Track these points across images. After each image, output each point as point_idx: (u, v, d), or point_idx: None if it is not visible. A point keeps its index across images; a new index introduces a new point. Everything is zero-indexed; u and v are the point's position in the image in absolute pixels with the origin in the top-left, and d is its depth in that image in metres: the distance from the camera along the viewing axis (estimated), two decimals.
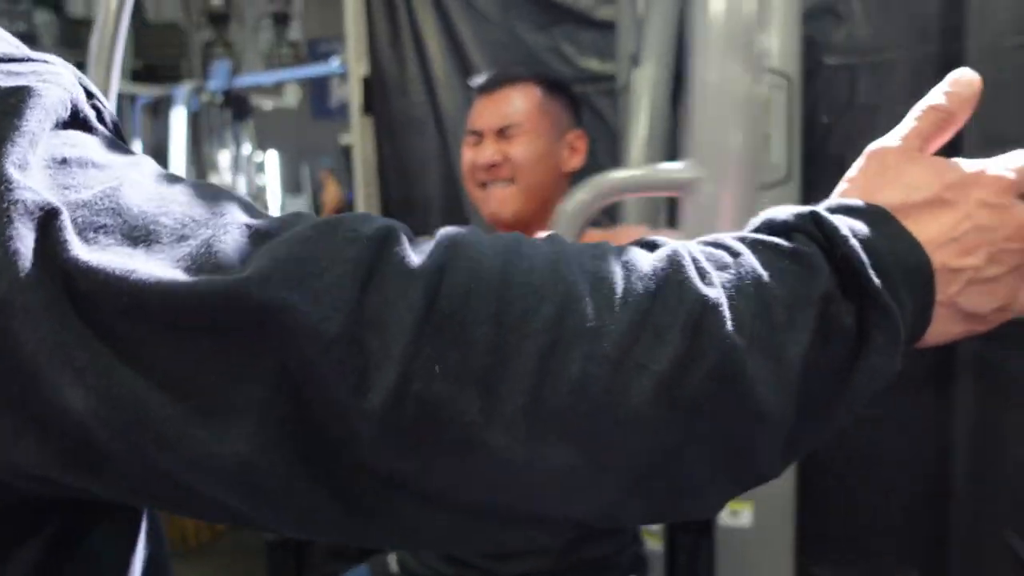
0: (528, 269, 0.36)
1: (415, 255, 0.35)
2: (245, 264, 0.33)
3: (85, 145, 0.37)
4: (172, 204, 0.35)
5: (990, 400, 1.80)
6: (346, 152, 4.60)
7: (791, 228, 0.41)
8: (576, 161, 1.20)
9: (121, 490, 0.35)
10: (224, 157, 4.94)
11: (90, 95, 0.40)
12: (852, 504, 1.98)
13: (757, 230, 0.42)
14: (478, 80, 1.20)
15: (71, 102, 0.37)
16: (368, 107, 2.48)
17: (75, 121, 0.38)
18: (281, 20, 7.40)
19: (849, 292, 0.38)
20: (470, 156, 1.16)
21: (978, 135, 1.76)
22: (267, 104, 5.60)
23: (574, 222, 0.99)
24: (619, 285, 0.36)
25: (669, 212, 1.87)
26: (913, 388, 1.87)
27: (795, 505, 1.79)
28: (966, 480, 1.83)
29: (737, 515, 1.83)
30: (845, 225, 0.39)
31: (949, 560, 1.87)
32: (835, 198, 0.44)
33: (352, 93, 2.48)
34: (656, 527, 1.90)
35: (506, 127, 1.14)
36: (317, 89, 7.09)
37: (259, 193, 5.34)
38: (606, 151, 2.22)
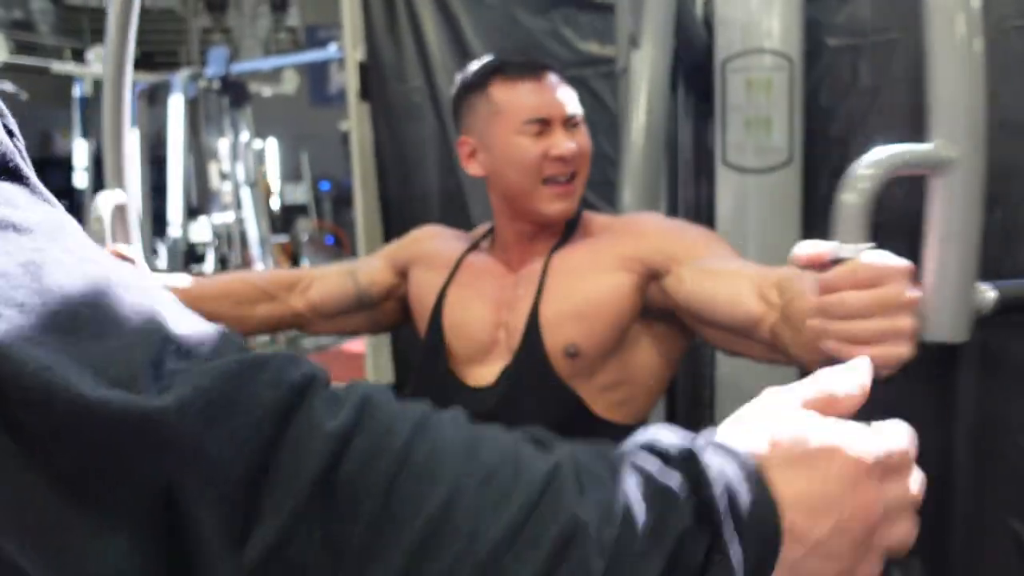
0: (430, 451, 0.36)
1: (329, 411, 0.35)
2: (163, 384, 0.32)
3: (7, 200, 0.35)
4: (97, 293, 0.34)
5: (992, 386, 1.79)
6: (345, 138, 4.57)
7: (670, 458, 0.42)
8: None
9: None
10: (223, 144, 4.92)
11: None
12: None
13: (642, 446, 0.43)
14: (503, 65, 1.08)
15: None
16: (365, 93, 2.45)
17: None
18: (279, 6, 7.36)
19: (703, 529, 0.40)
20: (539, 147, 1.04)
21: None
22: (265, 91, 5.58)
23: (863, 213, 0.94)
24: (507, 487, 0.37)
25: (670, 199, 1.85)
26: (914, 375, 1.86)
27: None
28: (968, 466, 1.82)
29: None
30: (717, 468, 0.41)
31: (951, 546, 1.86)
32: (721, 433, 0.46)
33: (349, 79, 2.45)
34: None
35: (572, 116, 1.08)
36: (316, 76, 7.06)
37: (259, 180, 5.33)
38: (605, 135, 2.20)
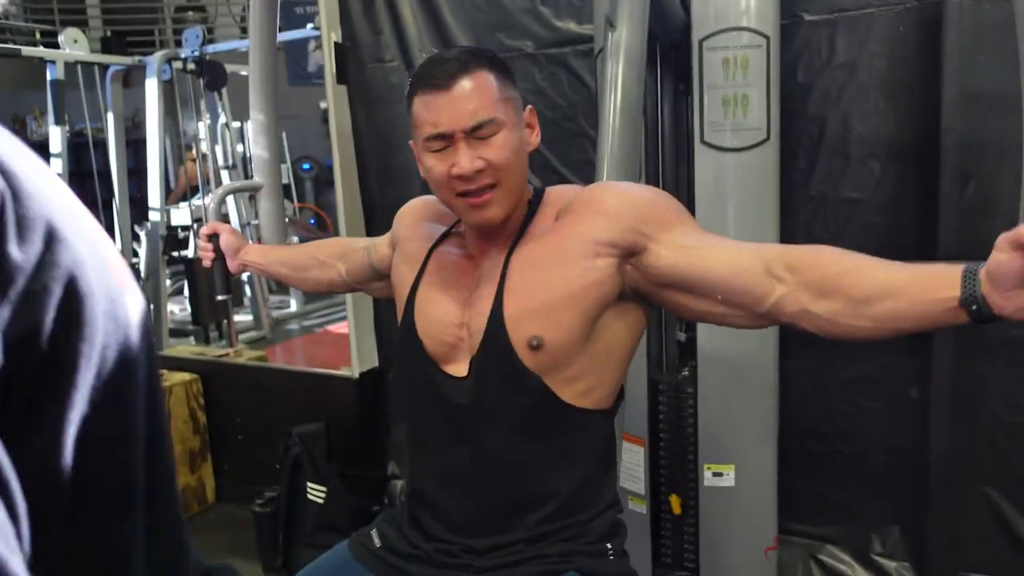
0: None
1: None
2: None
3: None
4: None
5: (968, 359, 1.82)
6: (326, 117, 4.52)
7: None
8: (536, 138, 1.08)
9: None
10: (200, 127, 4.86)
11: None
12: (833, 463, 2.01)
13: None
14: (421, 74, 1.02)
15: None
16: (342, 75, 2.43)
17: None
18: None
19: None
20: (441, 167, 1.00)
21: (957, 92, 1.76)
22: (243, 71, 5.51)
23: None
24: None
25: (649, 179, 1.86)
26: (893, 349, 1.89)
27: (776, 465, 1.82)
28: (944, 437, 1.85)
29: (720, 476, 1.85)
30: None
31: (928, 516, 1.90)
32: None
33: (326, 61, 2.43)
34: (640, 488, 1.93)
35: (477, 127, 0.99)
36: (293, 54, 6.96)
37: (238, 161, 5.27)
38: (584, 113, 2.20)
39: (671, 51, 1.78)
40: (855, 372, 1.94)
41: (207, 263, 1.56)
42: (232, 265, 1.54)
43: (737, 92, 1.66)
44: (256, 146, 1.55)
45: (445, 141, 1.00)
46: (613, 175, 1.39)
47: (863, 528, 2.01)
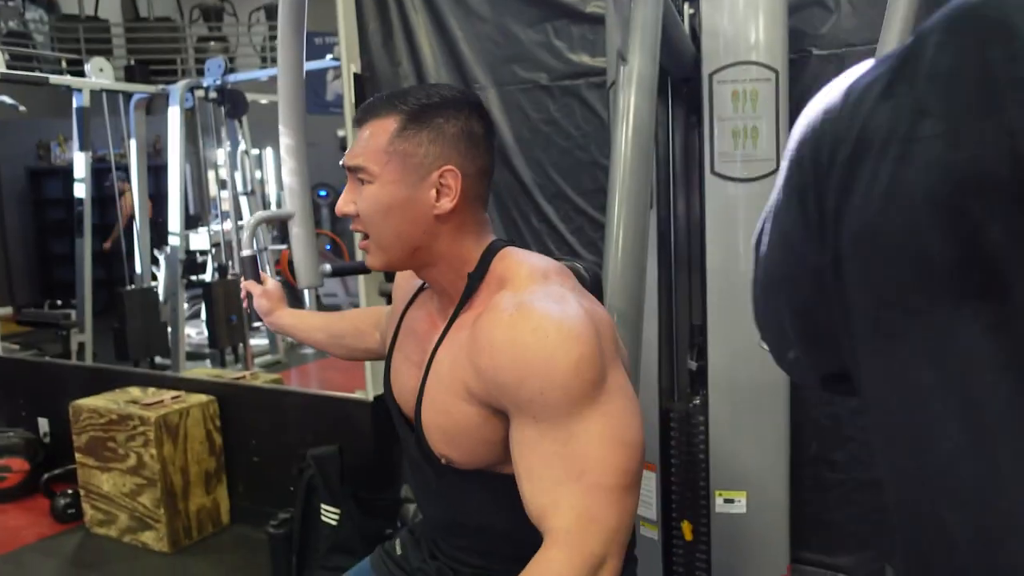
0: None
1: None
2: None
3: None
4: None
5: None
6: (343, 145, 4.60)
7: None
8: (447, 203, 0.94)
9: None
10: (220, 154, 4.95)
11: None
12: (846, 490, 2.01)
13: None
14: (363, 107, 0.99)
15: None
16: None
17: None
18: (275, 14, 7.38)
19: None
20: None
21: None
22: (262, 99, 5.61)
23: None
24: None
25: (660, 209, 1.89)
26: None
27: (789, 492, 1.82)
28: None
29: (732, 503, 1.86)
30: None
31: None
32: None
33: (345, 91, 2.49)
34: (652, 515, 1.94)
35: (352, 168, 0.95)
36: (312, 83, 7.11)
37: (256, 187, 5.36)
38: (597, 143, 2.24)
39: (682, 85, 1.82)
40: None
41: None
42: (267, 324, 1.51)
43: (747, 124, 1.70)
44: (286, 172, 1.57)
45: (349, 175, 0.99)
46: (624, 205, 1.42)
47: (877, 558, 2.00)
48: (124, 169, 5.08)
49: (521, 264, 0.96)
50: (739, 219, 1.72)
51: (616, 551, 0.84)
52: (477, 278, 0.97)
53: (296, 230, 1.61)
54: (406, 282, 1.15)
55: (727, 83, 1.68)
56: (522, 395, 0.86)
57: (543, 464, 0.86)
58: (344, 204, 0.97)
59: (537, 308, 0.87)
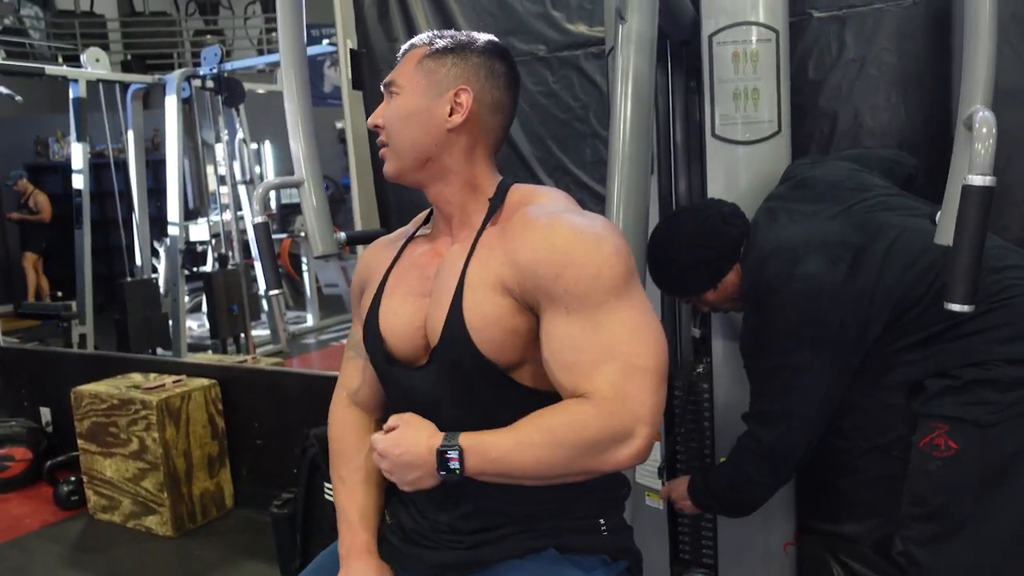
0: None
1: None
2: None
3: None
4: None
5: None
6: (342, 136, 4.58)
7: None
8: (457, 118, 1.03)
9: None
10: (220, 149, 4.94)
11: None
12: (851, 458, 1.99)
13: None
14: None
15: None
16: (357, 82, 2.47)
17: None
18: (270, 6, 7.36)
19: None
20: None
21: None
22: (259, 89, 5.59)
23: None
24: None
25: (662, 174, 1.87)
26: None
27: None
28: None
29: None
30: None
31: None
32: None
33: (341, 68, 2.47)
34: (657, 484, 1.92)
35: (390, 84, 1.07)
36: (309, 74, 7.09)
37: (255, 177, 5.34)
38: (596, 114, 2.22)
39: (681, 48, 1.80)
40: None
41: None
42: None
43: (747, 85, 1.68)
44: (293, 138, 1.53)
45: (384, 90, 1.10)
46: (626, 166, 1.40)
47: (884, 525, 1.98)
48: (122, 165, 5.07)
49: (537, 191, 1.07)
50: (740, 181, 1.70)
51: (643, 433, 0.90)
52: (498, 201, 1.05)
53: (307, 197, 1.56)
54: (378, 252, 1.19)
55: (727, 44, 1.66)
56: (558, 286, 0.92)
57: (576, 351, 0.92)
58: (374, 117, 1.08)
59: (568, 215, 0.98)
